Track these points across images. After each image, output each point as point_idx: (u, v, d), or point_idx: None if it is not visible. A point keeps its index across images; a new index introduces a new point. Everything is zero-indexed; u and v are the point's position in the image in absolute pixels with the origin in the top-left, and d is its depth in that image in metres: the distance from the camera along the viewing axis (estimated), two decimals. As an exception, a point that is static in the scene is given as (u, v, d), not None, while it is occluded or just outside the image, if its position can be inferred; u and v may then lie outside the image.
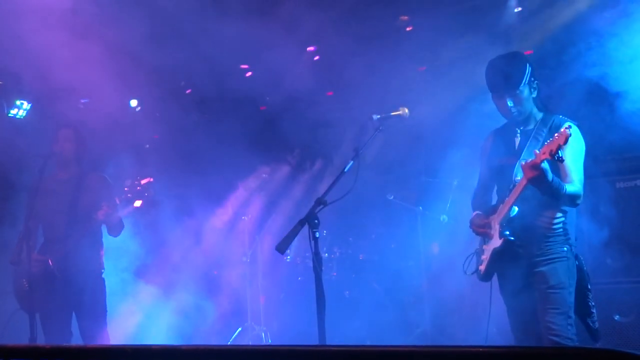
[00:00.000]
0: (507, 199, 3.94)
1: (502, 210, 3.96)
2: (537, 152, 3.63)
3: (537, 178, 3.64)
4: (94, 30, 5.55)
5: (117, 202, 5.16)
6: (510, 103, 4.00)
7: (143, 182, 5.14)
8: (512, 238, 3.91)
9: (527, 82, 3.98)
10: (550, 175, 3.65)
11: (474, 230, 4.20)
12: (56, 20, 5.42)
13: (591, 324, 3.95)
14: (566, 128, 3.51)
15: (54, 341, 5.09)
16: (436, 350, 1.55)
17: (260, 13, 6.24)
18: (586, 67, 5.52)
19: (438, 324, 6.82)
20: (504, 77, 3.99)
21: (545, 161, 3.58)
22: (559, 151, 3.50)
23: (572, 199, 3.83)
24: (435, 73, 7.06)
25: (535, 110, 4.09)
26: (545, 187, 3.70)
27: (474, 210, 4.35)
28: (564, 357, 1.41)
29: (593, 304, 3.97)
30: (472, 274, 4.27)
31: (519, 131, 4.12)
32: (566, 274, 3.85)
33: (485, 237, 4.14)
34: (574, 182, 3.84)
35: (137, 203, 5.20)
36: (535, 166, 3.60)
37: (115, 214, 5.21)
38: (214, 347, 1.88)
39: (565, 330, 3.76)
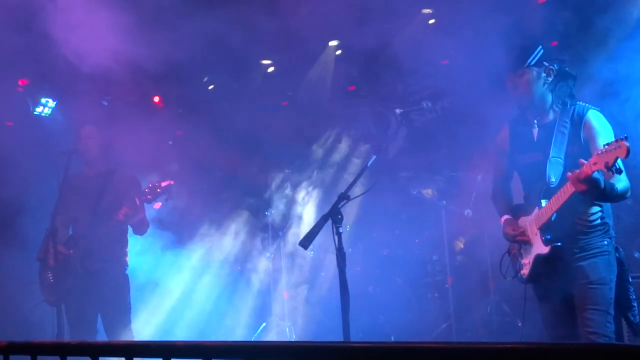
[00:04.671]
0: (544, 202, 3.75)
1: (542, 216, 3.76)
2: (584, 161, 3.36)
3: (589, 190, 3.41)
4: (117, 26, 5.57)
5: (137, 202, 5.17)
6: (511, 83, 3.88)
7: (163, 184, 5.15)
8: (560, 244, 3.72)
9: (536, 63, 3.81)
10: (602, 184, 3.41)
11: (509, 240, 4.01)
12: (79, 18, 5.45)
13: (632, 318, 3.74)
14: (623, 139, 3.20)
15: (79, 336, 5.12)
16: (462, 347, 1.53)
17: (281, 8, 6.23)
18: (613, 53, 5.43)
19: (463, 320, 6.77)
20: (511, 56, 3.89)
21: (597, 172, 3.34)
22: (616, 164, 3.22)
23: (624, 195, 3.61)
24: (458, 66, 6.99)
25: (552, 98, 3.87)
26: (598, 197, 3.54)
27: (495, 205, 4.20)
28: (596, 354, 1.37)
29: (634, 297, 3.77)
30: (513, 278, 4.06)
31: (535, 122, 3.92)
32: (607, 269, 3.68)
33: (523, 244, 3.94)
34: (619, 176, 3.55)
35: (157, 205, 5.20)
36: (587, 179, 3.35)
37: (135, 215, 5.23)
38: (238, 344, 1.88)
39: (603, 328, 3.60)
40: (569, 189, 3.55)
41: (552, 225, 3.72)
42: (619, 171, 3.27)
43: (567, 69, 3.92)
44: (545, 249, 3.75)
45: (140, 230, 5.46)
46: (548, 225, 3.74)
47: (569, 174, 3.48)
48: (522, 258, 3.97)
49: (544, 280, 3.90)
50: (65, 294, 5.10)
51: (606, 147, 3.27)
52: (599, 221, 3.74)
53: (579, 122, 3.75)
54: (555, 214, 3.69)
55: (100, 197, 5.33)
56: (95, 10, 5.50)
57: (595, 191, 3.42)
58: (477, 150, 6.40)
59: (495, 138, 4.24)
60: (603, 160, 3.26)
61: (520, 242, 3.93)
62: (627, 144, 3.18)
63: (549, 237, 3.74)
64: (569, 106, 3.84)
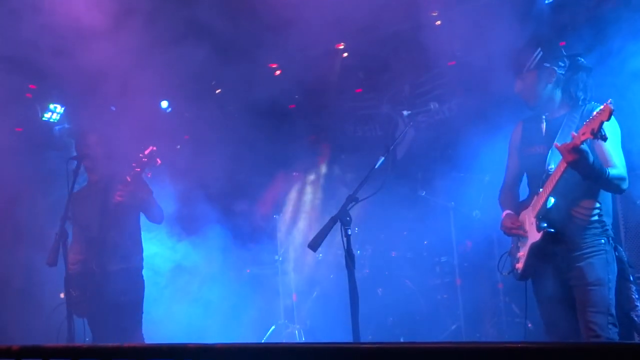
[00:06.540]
0: (541, 189, 3.77)
1: (538, 203, 3.77)
2: (575, 133, 3.44)
3: (578, 161, 3.41)
4: (125, 31, 5.60)
5: (128, 179, 5.14)
6: (517, 87, 3.99)
7: (146, 152, 5.13)
8: (553, 230, 3.71)
9: (534, 67, 3.88)
10: (591, 158, 3.43)
11: (506, 233, 4.04)
12: (87, 23, 5.48)
13: (635, 318, 3.71)
14: (608, 103, 3.25)
15: (103, 341, 5.12)
16: (471, 347, 1.53)
17: (288, 12, 6.25)
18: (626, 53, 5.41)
19: (472, 321, 6.75)
20: (512, 62, 4.02)
21: (585, 142, 3.36)
22: (602, 129, 3.25)
23: (617, 183, 3.61)
24: (465, 68, 6.99)
25: (560, 96, 3.92)
26: (587, 170, 3.47)
27: (501, 205, 4.22)
28: (599, 353, 1.37)
29: (637, 296, 3.74)
30: (509, 273, 4.08)
31: (544, 118, 3.97)
32: (604, 268, 3.66)
33: (520, 237, 3.96)
34: (617, 165, 3.63)
35: (148, 174, 5.19)
36: (576, 148, 3.37)
37: (132, 193, 5.19)
38: (249, 346, 1.89)
39: (606, 330, 3.57)
40: (561, 166, 3.58)
41: (547, 213, 3.74)
42: (604, 138, 3.30)
43: (580, 60, 3.92)
44: (538, 236, 3.75)
45: (154, 216, 5.43)
46: (544, 213, 3.74)
47: (556, 143, 3.54)
48: (518, 252, 3.98)
49: (540, 276, 3.90)
50: (84, 300, 5.11)
51: (594, 114, 3.33)
52: (596, 218, 3.73)
53: (587, 116, 3.72)
54: (551, 199, 3.70)
55: (108, 200, 5.34)
56: (99, 14, 5.54)
57: (584, 163, 3.43)
58: (485, 151, 6.39)
59: (510, 136, 4.28)
60: (590, 127, 3.32)
61: (516, 235, 3.96)
62: (611, 106, 3.24)
63: (544, 224, 3.74)
64: (580, 102, 3.86)
